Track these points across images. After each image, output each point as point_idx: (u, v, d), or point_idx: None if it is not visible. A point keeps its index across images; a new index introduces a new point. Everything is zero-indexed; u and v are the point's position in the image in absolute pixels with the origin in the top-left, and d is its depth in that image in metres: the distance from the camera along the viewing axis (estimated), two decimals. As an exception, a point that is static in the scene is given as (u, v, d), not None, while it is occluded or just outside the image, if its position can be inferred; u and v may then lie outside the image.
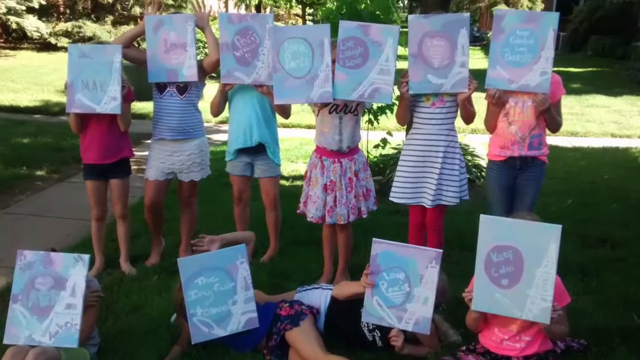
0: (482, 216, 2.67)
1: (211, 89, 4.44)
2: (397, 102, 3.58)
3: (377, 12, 5.20)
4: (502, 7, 23.61)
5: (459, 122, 3.48)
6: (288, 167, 6.65)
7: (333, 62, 3.30)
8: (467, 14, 3.33)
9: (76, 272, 2.73)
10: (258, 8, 23.06)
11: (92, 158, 3.77)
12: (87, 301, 2.76)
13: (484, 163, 5.69)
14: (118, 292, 3.61)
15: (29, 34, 17.12)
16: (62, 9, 18.99)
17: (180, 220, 4.16)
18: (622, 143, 8.56)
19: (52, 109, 9.93)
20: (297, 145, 7.84)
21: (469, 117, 3.43)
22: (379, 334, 3.00)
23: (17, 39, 18.26)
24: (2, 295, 3.44)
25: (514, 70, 3.20)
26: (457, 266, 3.83)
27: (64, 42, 17.21)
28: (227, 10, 25.27)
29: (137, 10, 18.60)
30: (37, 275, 2.74)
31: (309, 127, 8.82)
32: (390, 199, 3.55)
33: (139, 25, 3.91)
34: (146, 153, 4.05)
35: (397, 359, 2.93)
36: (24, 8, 16.34)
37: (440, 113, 3.38)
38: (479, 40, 26.01)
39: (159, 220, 4.08)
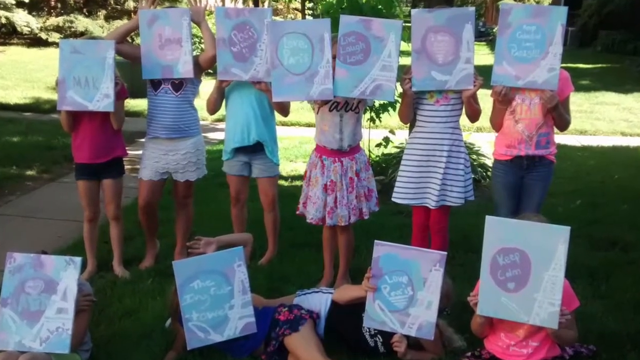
0: (487, 217, 2.67)
1: (207, 85, 4.45)
2: (399, 100, 3.58)
3: (379, 6, 5.21)
4: (508, 0, 23.61)
5: (463, 120, 3.48)
6: (287, 167, 6.65)
7: (333, 58, 3.29)
8: (472, 8, 3.34)
9: (68, 275, 2.73)
10: (256, 2, 23.03)
11: (84, 157, 3.77)
12: (79, 305, 2.76)
13: (489, 162, 5.69)
14: (111, 296, 3.61)
15: (18, 29, 17.15)
16: (53, 3, 18.99)
17: (175, 221, 4.16)
18: (632, 142, 8.57)
19: (42, 107, 9.94)
20: (296, 144, 7.84)
21: (474, 115, 3.43)
22: (381, 340, 3.00)
23: (7, 34, 18.27)
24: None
25: (520, 66, 3.20)
26: (462, 269, 3.83)
27: (55, 37, 17.23)
28: (223, 4, 25.26)
29: (130, 4, 18.61)
30: (27, 279, 2.73)
31: (309, 125, 8.83)
32: (393, 199, 3.55)
33: (132, 19, 3.91)
34: (140, 152, 4.05)
35: (399, 365, 2.93)
36: (13, 2, 16.37)
37: (444, 111, 3.38)
38: (485, 36, 26.06)
39: (153, 222, 4.08)
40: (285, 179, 6.16)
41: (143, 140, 4.09)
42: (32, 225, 4.87)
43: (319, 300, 3.16)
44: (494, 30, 22.26)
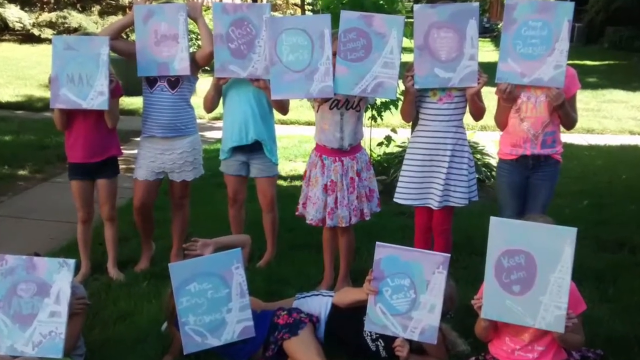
0: (492, 218, 2.67)
1: (204, 83, 4.43)
2: (401, 98, 3.58)
3: (381, 2, 5.21)
4: (513, -4, 23.58)
5: (467, 119, 3.48)
6: (286, 167, 6.65)
7: (334, 54, 3.29)
8: (476, 4, 3.33)
9: (61, 277, 2.73)
10: (254, -3, 23.05)
11: (78, 157, 3.77)
12: (72, 309, 2.76)
13: (494, 162, 5.69)
14: (105, 299, 3.61)
15: (10, 25, 17.15)
16: (46, -2, 19.01)
17: (171, 222, 4.16)
18: (640, 140, 8.57)
19: (35, 105, 9.94)
20: (295, 143, 7.84)
21: (478, 113, 3.43)
22: (383, 344, 3.00)
23: (-2, 30, 18.29)
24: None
25: (526, 63, 3.20)
26: (466, 271, 3.84)
27: (48, 33, 17.23)
28: (221, 0, 25.30)
29: (125, -1, 18.63)
30: (20, 281, 2.73)
31: (309, 123, 8.82)
32: (395, 200, 3.56)
33: (127, 15, 3.91)
34: (135, 151, 4.05)
35: (402, 370, 2.93)
36: (5, -3, 16.38)
37: (447, 109, 3.38)
38: (489, 32, 26.04)
39: (149, 223, 4.08)
40: (285, 179, 6.15)
41: (138, 139, 4.09)
42: (24, 227, 4.87)
43: (318, 304, 3.16)
44: (499, 26, 22.26)
